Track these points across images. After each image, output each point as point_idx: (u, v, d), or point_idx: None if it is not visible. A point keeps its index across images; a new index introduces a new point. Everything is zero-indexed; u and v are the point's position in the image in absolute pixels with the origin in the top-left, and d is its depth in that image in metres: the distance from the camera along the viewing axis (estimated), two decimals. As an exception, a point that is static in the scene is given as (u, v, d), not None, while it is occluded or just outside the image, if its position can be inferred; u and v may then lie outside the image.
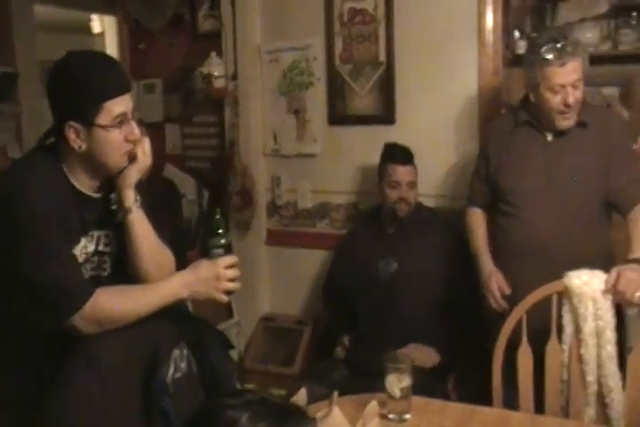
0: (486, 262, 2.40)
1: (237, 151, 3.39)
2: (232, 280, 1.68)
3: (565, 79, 2.13)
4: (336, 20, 3.15)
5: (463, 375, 2.62)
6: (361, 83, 3.14)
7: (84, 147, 1.59)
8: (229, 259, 1.68)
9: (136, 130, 1.63)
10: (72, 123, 1.57)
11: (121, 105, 1.59)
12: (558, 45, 2.10)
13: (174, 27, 3.69)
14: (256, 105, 3.39)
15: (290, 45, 3.28)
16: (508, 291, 2.30)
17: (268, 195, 3.45)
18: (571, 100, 2.14)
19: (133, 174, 1.67)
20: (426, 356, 2.56)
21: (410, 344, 2.55)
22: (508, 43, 3.11)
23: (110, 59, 1.70)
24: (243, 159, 3.39)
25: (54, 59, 1.64)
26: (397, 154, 2.73)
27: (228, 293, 1.70)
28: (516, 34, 3.16)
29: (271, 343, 3.45)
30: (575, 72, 2.13)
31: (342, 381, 2.48)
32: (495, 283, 2.32)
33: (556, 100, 2.16)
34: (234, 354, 3.01)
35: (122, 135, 1.61)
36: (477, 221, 2.53)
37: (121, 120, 1.59)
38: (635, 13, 3.07)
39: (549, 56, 2.11)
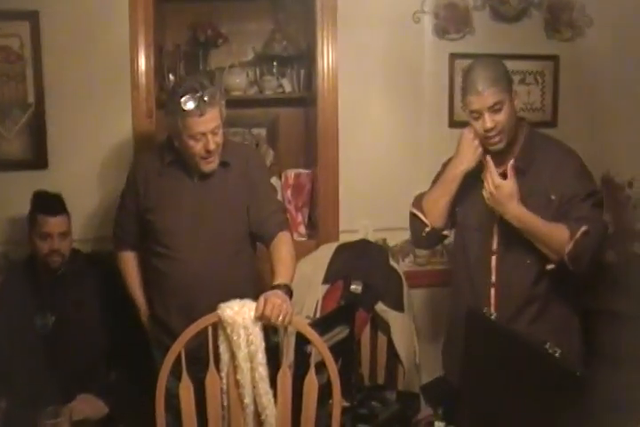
0: (142, 309, 2.53)
1: None
2: None
3: (205, 128, 2.22)
4: (-27, 57, 2.96)
5: (132, 425, 2.61)
6: (8, 125, 2.97)
7: None
8: None
9: None
10: None
11: None
12: (197, 95, 2.18)
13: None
14: None
15: None
16: None
17: None
18: (212, 146, 2.24)
19: None
20: (95, 407, 2.50)
21: (80, 395, 2.47)
22: (163, 85, 3.21)
23: None
24: None
25: None
26: (47, 204, 2.60)
27: None
28: (171, 77, 3.28)
29: None
30: (214, 120, 2.24)
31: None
32: None
33: (197, 147, 2.25)
34: None
35: None
36: (129, 266, 2.58)
37: None
38: (275, 63, 3.39)
39: (189, 107, 2.19)
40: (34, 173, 2.96)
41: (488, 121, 2.14)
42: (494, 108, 2.14)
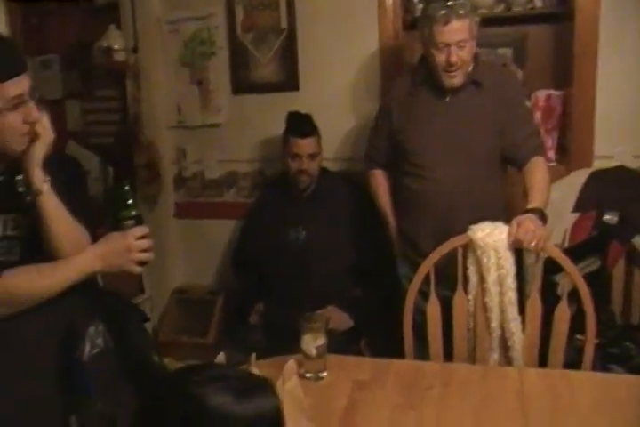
0: (392, 226, 2.53)
1: (141, 125, 3.33)
2: (145, 251, 1.66)
3: (449, 38, 2.17)
4: (236, -12, 3.11)
5: (374, 340, 2.70)
6: (263, 51, 3.14)
7: None
8: (140, 230, 1.66)
9: (34, 111, 1.57)
10: None
11: (16, 87, 1.51)
12: (447, 4, 2.15)
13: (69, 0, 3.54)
14: (158, 77, 3.33)
15: (190, 15, 3.22)
16: None
17: (174, 167, 3.42)
18: (453, 59, 2.19)
19: (38, 152, 1.61)
20: (340, 319, 2.62)
21: (328, 307, 2.61)
22: (408, 7, 3.15)
23: (1, 38, 1.64)
24: (147, 133, 3.33)
25: None
26: (298, 126, 2.73)
27: (142, 264, 1.68)
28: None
29: (185, 315, 3.45)
30: (460, 32, 2.18)
31: (258, 346, 2.51)
32: None
33: (440, 58, 2.22)
34: (148, 327, 3.00)
35: (19, 117, 1.53)
36: (380, 184, 2.60)
37: (17, 102, 1.54)
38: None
39: (437, 14, 2.16)
40: (287, 94, 3.11)
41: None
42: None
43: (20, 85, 1.52)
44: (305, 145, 2.70)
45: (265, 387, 1.03)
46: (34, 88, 1.58)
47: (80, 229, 1.72)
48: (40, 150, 1.60)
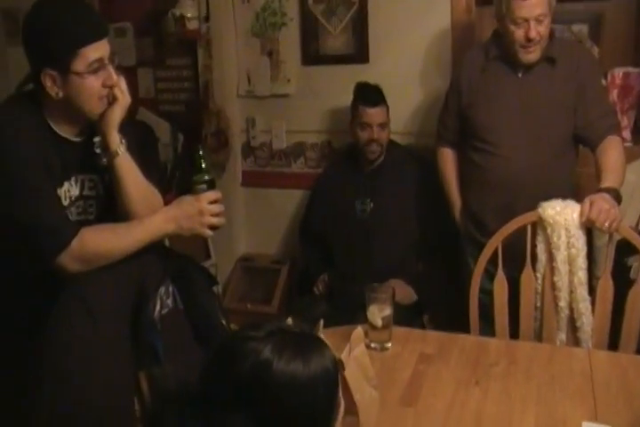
0: (456, 206, 2.51)
1: (211, 93, 3.36)
2: (216, 215, 1.70)
3: (528, 13, 2.13)
4: (308, -41, 3.09)
5: (437, 315, 2.70)
6: (334, 22, 3.11)
7: (61, 94, 1.57)
8: (213, 194, 1.69)
9: (113, 75, 1.60)
10: (48, 70, 1.55)
11: (97, 51, 1.56)
12: None
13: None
14: (229, 47, 3.35)
15: (263, -15, 3.22)
16: None
17: (242, 136, 3.44)
18: (532, 34, 2.15)
19: (116, 115, 1.65)
20: (404, 293, 2.63)
21: (391, 280, 2.61)
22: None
23: (83, 4, 1.67)
24: (217, 101, 3.36)
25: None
26: (368, 95, 2.72)
27: (213, 228, 1.71)
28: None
29: (249, 283, 3.50)
30: (539, 6, 2.13)
31: (323, 316, 2.51)
32: None
33: (518, 33, 2.17)
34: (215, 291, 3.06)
35: (99, 81, 1.58)
36: (448, 162, 2.57)
37: (97, 66, 1.57)
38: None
39: None
40: (356, 66, 3.09)
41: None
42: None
43: (100, 50, 1.57)
44: (375, 114, 2.70)
45: (320, 343, 1.07)
46: (113, 53, 1.62)
47: (153, 190, 1.77)
48: (117, 114, 1.65)
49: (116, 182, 1.69)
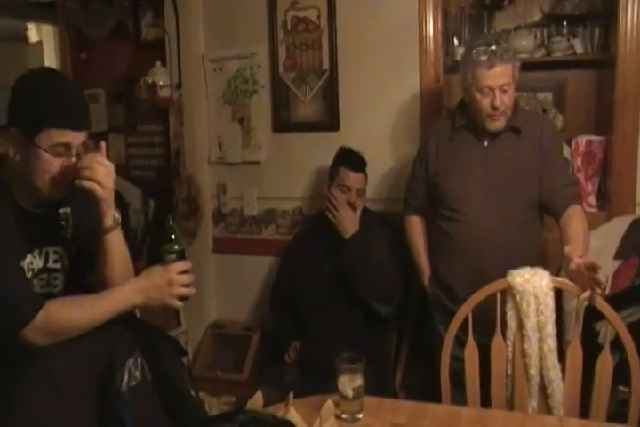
0: (425, 273, 2.54)
1: (183, 160, 3.40)
2: (186, 286, 1.68)
3: (493, 82, 2.20)
4: (280, 28, 3.19)
5: (409, 376, 2.68)
6: (305, 90, 3.19)
7: (17, 157, 1.59)
8: (182, 264, 1.68)
9: (78, 165, 1.59)
10: (15, 130, 1.58)
11: (65, 137, 1.57)
12: (490, 49, 2.18)
13: (117, 36, 3.66)
14: (201, 113, 3.41)
15: (234, 54, 3.30)
16: None
17: (213, 203, 3.46)
18: (497, 102, 2.21)
19: (109, 195, 1.66)
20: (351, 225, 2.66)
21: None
22: (448, 50, 3.19)
23: (80, 94, 1.69)
24: (188, 168, 3.40)
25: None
26: (352, 160, 2.76)
27: (182, 298, 1.70)
28: (455, 41, 3.25)
29: (220, 350, 3.46)
30: (503, 76, 2.20)
31: (294, 384, 2.50)
32: None
33: (484, 102, 2.24)
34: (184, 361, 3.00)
35: (57, 163, 1.59)
36: (416, 230, 2.60)
37: (62, 151, 1.58)
38: (565, 23, 3.20)
39: (480, 58, 2.19)
40: (327, 134, 3.15)
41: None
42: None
43: (69, 137, 1.59)
44: (357, 179, 2.73)
45: None
46: (88, 145, 1.63)
47: (130, 261, 1.76)
48: (109, 194, 1.65)
49: (103, 255, 1.69)
